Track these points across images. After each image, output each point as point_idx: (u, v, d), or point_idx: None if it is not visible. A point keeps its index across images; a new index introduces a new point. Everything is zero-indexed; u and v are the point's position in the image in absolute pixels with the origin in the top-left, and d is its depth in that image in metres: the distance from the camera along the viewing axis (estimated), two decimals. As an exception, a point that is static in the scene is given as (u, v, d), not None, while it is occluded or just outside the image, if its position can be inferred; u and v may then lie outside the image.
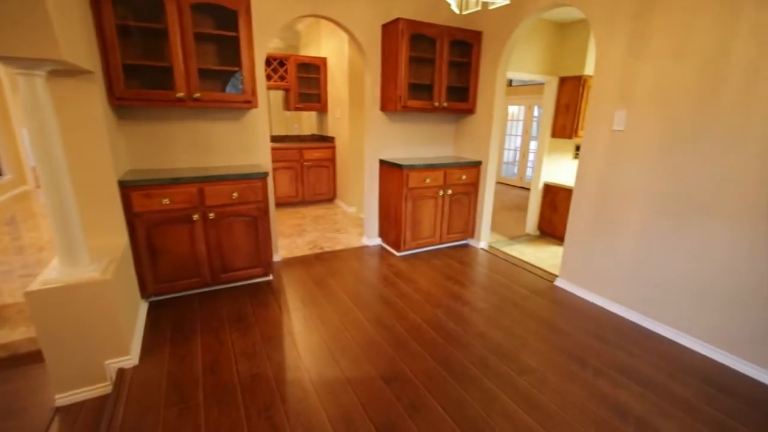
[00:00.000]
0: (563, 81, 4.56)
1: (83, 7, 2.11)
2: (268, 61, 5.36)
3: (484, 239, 4.04)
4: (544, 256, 4.22)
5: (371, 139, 3.76)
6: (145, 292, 2.63)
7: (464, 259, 3.72)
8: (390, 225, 3.79)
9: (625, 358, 2.23)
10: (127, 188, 2.41)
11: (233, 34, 2.71)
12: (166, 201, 2.52)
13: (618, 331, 2.51)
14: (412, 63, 3.52)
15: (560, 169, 5.02)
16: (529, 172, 8.46)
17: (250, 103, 2.86)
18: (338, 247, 3.96)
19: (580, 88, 4.38)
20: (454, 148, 4.23)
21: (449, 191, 3.72)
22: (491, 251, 3.98)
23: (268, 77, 5.42)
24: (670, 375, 2.09)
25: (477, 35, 3.62)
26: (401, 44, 3.26)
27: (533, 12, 3.09)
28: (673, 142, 2.31)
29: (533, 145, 8.26)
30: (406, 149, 3.95)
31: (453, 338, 2.39)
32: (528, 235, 5.08)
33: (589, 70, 4.38)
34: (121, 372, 1.97)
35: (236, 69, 2.80)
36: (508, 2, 1.45)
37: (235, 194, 2.73)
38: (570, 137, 4.56)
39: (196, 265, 2.75)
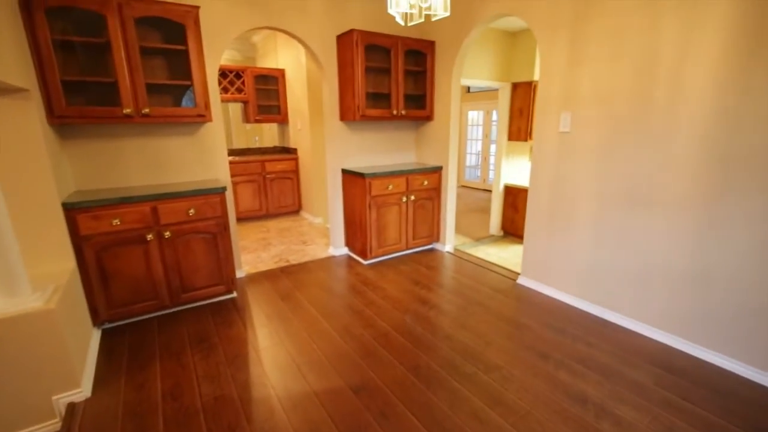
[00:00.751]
0: (516, 87, 4.78)
1: (14, 21, 2.00)
2: (224, 74, 5.26)
3: (449, 243, 4.12)
4: (508, 256, 4.36)
5: (332, 149, 3.76)
6: (97, 319, 2.48)
7: (431, 263, 3.78)
8: (356, 234, 3.79)
9: (583, 348, 2.34)
10: (72, 210, 2.28)
11: (182, 47, 2.65)
12: (116, 222, 2.41)
13: (576, 323, 2.63)
14: (369, 73, 3.57)
15: (519, 170, 5.22)
16: (491, 174, 8.73)
17: (203, 117, 2.79)
18: (305, 259, 3.91)
19: (531, 93, 4.60)
20: (416, 154, 4.31)
21: (412, 197, 3.78)
22: (457, 254, 4.07)
23: (225, 90, 5.32)
24: (624, 361, 2.21)
25: (430, 44, 3.73)
26: (356, 55, 3.31)
27: (481, 22, 3.23)
28: (613, 140, 2.47)
29: (493, 148, 8.56)
30: (368, 158, 3.98)
31: (421, 343, 2.41)
32: (492, 236, 5.24)
33: (538, 75, 4.61)
34: (71, 407, 1.84)
35: (188, 83, 2.73)
36: (448, 14, 1.52)
37: (191, 211, 2.65)
38: (525, 140, 4.77)
39: (153, 287, 2.63)
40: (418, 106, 3.94)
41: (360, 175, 3.51)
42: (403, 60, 3.59)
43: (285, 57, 5.45)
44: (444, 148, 3.88)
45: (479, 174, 9.04)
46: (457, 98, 3.75)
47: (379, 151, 4.04)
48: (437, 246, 4.20)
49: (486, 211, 6.59)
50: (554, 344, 2.38)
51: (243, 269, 3.55)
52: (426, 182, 3.85)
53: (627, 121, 2.39)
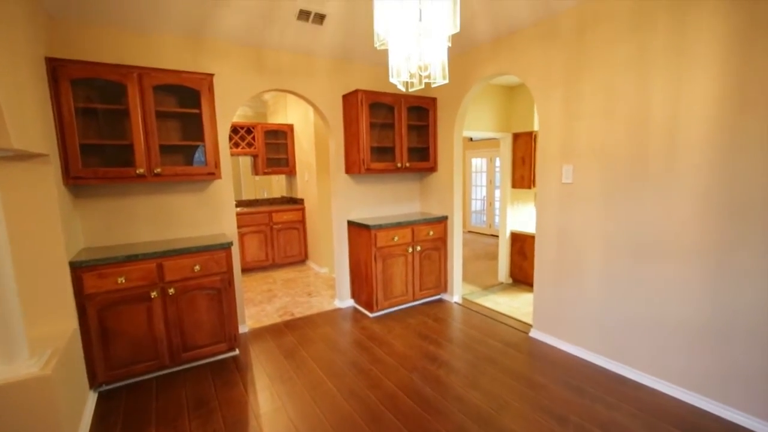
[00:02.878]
0: (516, 137, 4.91)
1: (41, 89, 2.14)
2: (236, 129, 5.51)
3: (457, 293, 4.03)
4: (518, 305, 4.23)
5: (338, 201, 3.82)
6: (94, 382, 2.40)
7: (438, 315, 3.68)
8: (362, 286, 3.74)
9: (603, 410, 2.18)
10: (78, 269, 2.30)
11: (196, 111, 2.80)
12: (121, 280, 2.41)
13: (594, 380, 2.48)
14: (373, 128, 3.72)
15: (524, 217, 5.22)
16: (496, 219, 8.73)
17: (213, 174, 2.88)
18: (310, 311, 3.83)
19: (532, 143, 4.72)
20: (420, 204, 4.35)
21: (418, 248, 3.76)
22: (465, 305, 3.96)
23: (236, 144, 5.54)
24: (647, 425, 2.05)
25: (432, 101, 3.90)
26: (361, 112, 3.46)
27: (480, 80, 3.39)
28: (614, 192, 2.48)
29: (497, 194, 8.64)
30: (373, 209, 4.02)
31: (430, 405, 2.28)
32: (501, 283, 5.13)
33: (537, 126, 4.75)
34: (57, 483, 1.73)
35: (199, 143, 2.85)
36: (446, 81, 1.60)
37: (197, 267, 2.65)
38: (529, 187, 4.82)
39: (154, 347, 2.57)
40: (422, 158, 4.04)
41: (365, 227, 3.53)
42: (406, 116, 3.74)
43: (294, 112, 5.72)
44: (449, 198, 3.92)
45: (485, 219, 9.05)
46: (460, 150, 3.85)
47: (384, 202, 4.09)
48: (445, 297, 4.10)
49: (493, 257, 6.50)
50: (572, 406, 2.23)
51: (246, 324, 3.48)
52: (431, 232, 3.84)
53: (626, 174, 2.41)
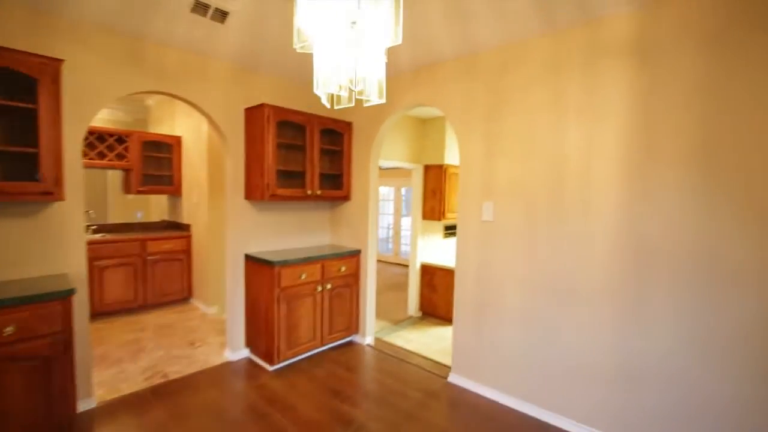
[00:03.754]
0: (428, 168, 4.92)
1: None
2: (102, 137, 4.45)
3: (369, 334, 3.69)
4: (430, 340, 4.08)
5: (235, 231, 3.21)
6: None
7: (351, 362, 3.27)
8: (260, 332, 3.14)
9: (533, 471, 2.02)
10: None
11: (30, 106, 2.02)
12: None
13: (516, 429, 2.34)
14: (281, 149, 3.26)
15: (434, 248, 5.21)
16: (403, 248, 8.77)
17: (51, 194, 2.09)
18: (191, 369, 3.06)
19: (443, 175, 4.77)
20: (331, 236, 3.96)
21: (328, 286, 3.34)
22: (378, 347, 3.63)
23: (102, 155, 4.45)
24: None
25: (347, 125, 3.62)
26: (268, 130, 2.99)
27: (400, 108, 3.24)
28: (533, 232, 2.46)
29: (404, 222, 8.73)
30: (277, 241, 3.50)
31: (346, 494, 1.84)
32: (411, 317, 4.96)
33: (449, 159, 4.84)
34: None
35: (32, 150, 2.05)
36: (383, 101, 1.31)
37: (9, 329, 1.81)
38: (439, 219, 4.82)
39: None
40: (335, 185, 3.69)
41: (267, 264, 2.99)
42: (319, 138, 3.38)
43: (183, 123, 4.88)
44: (362, 230, 3.62)
45: (391, 247, 9.02)
46: (376, 180, 3.62)
47: (290, 233, 3.60)
48: (356, 338, 3.72)
49: (402, 288, 6.38)
50: (502, 470, 2.03)
51: (94, 397, 2.56)
52: (344, 268, 3.47)
53: (544, 214, 2.41)
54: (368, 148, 3.52)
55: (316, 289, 3.25)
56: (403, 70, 3.14)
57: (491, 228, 2.67)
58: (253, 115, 3.09)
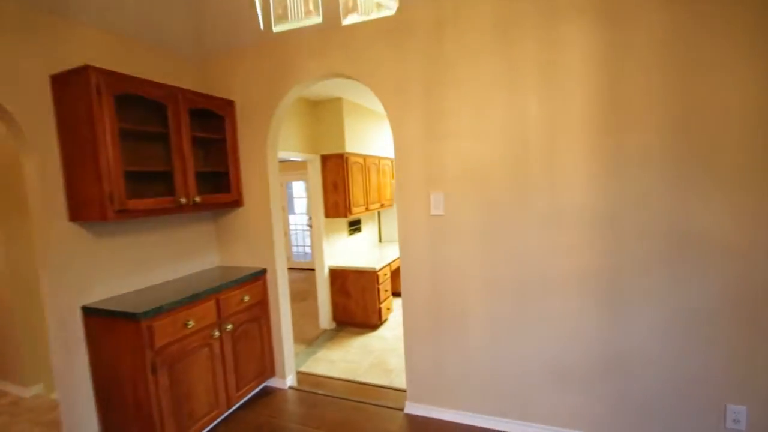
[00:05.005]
0: (326, 159, 4.23)
1: None
2: None
3: (289, 372, 2.88)
4: (357, 357, 3.53)
5: (56, 273, 1.99)
6: None
7: (274, 423, 2.44)
8: (128, 421, 2.05)
9: None
10: None
11: None
12: None
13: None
14: (129, 139, 2.15)
15: (340, 249, 4.59)
16: (295, 250, 7.88)
17: None
18: None
19: (344, 166, 4.15)
20: (220, 255, 2.95)
21: (229, 326, 2.41)
22: (303, 387, 2.86)
23: None
24: None
25: (228, 105, 2.66)
26: (100, 109, 1.87)
27: (304, 80, 2.46)
28: (493, 222, 2.08)
29: (293, 220, 7.82)
30: (139, 277, 2.37)
31: None
32: (325, 331, 4.30)
33: (350, 147, 4.23)
34: None
35: None
36: (392, 13, 0.66)
37: None
38: (345, 216, 4.22)
39: None
40: (218, 188, 2.71)
41: (127, 317, 1.92)
42: (189, 123, 2.36)
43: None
44: (265, 243, 2.76)
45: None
46: (276, 174, 2.78)
47: (158, 262, 2.50)
48: (274, 382, 2.86)
49: (304, 296, 5.62)
50: None
51: None
52: (247, 297, 2.57)
53: (506, 199, 2.05)
54: (263, 134, 2.65)
55: (211, 335, 2.29)
56: (307, 30, 2.36)
57: (443, 223, 2.20)
58: (69, 85, 1.92)
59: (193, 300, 2.18)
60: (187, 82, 2.66)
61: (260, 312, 2.70)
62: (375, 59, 2.24)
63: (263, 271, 2.74)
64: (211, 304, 2.30)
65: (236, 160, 2.73)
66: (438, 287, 2.25)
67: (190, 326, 2.14)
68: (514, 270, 2.07)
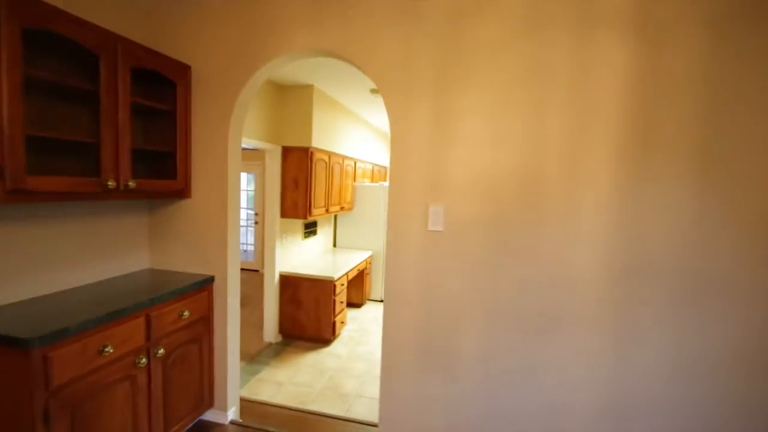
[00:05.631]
0: (288, 151, 3.76)
1: None
2: None
3: (233, 403, 2.38)
4: (308, 378, 3.14)
5: None
6: None
7: (210, 471, 1.95)
8: (-3, 487, 1.45)
9: None
10: None
11: None
12: None
13: None
14: (36, 93, 1.56)
15: (294, 253, 4.12)
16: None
17: None
18: None
19: (309, 162, 3.71)
20: (151, 256, 2.36)
21: (160, 351, 1.88)
22: (248, 423, 2.38)
23: None
24: None
25: (183, 70, 2.12)
26: (-5, 42, 1.30)
27: (286, 54, 2.02)
28: (502, 245, 1.84)
29: (243, 216, 7.05)
30: (37, 281, 1.74)
31: None
32: (270, 344, 3.81)
33: (317, 142, 3.80)
34: None
35: None
36: None
37: None
38: (304, 217, 3.77)
39: None
40: (159, 172, 2.15)
41: (11, 344, 1.35)
42: (128, 84, 1.81)
43: None
44: (217, 246, 2.25)
45: (216, 248, 7.17)
46: (238, 162, 2.29)
47: (67, 261, 1.88)
48: (212, 416, 2.33)
49: (246, 301, 5.00)
50: None
51: None
52: (187, 312, 2.04)
53: (516, 221, 1.81)
54: (226, 113, 2.16)
55: (136, 363, 1.75)
56: (294, -8, 1.94)
57: (441, 241, 1.90)
58: (-54, 1, 1.31)
59: (116, 317, 1.63)
60: (133, 34, 2.08)
61: (203, 330, 2.18)
62: (377, 41, 1.89)
63: (210, 280, 2.22)
64: (140, 321, 1.76)
65: (186, 140, 2.19)
66: (429, 316, 1.94)
67: (107, 353, 1.59)
68: (521, 301, 1.83)
